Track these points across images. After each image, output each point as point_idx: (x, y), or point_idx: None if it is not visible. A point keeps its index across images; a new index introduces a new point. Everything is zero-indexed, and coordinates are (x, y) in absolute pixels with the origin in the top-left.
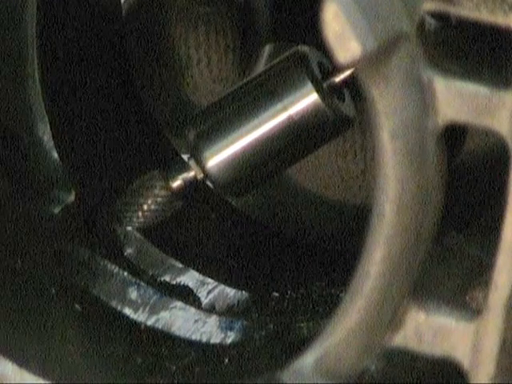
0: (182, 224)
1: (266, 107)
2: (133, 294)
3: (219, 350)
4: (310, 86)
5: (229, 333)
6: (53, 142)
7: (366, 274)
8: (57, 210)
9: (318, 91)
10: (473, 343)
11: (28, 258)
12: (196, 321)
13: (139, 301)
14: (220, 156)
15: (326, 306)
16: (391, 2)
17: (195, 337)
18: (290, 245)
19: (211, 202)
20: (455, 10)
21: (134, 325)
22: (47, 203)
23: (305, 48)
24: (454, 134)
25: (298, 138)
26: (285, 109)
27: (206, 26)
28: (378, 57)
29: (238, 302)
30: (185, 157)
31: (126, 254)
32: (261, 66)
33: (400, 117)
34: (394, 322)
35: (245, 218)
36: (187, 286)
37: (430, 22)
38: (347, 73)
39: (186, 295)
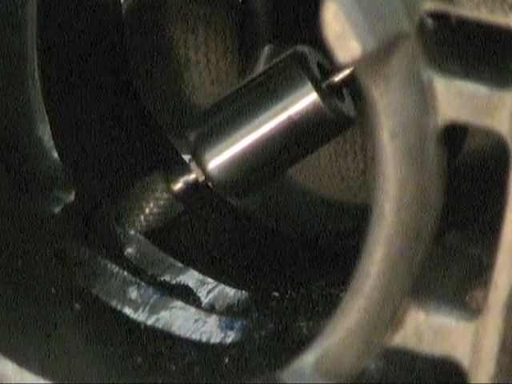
0: (181, 224)
1: (266, 108)
2: (133, 293)
3: (219, 349)
4: (309, 85)
5: (229, 332)
6: (53, 142)
7: (366, 273)
8: (57, 210)
9: (317, 91)
10: (473, 343)
11: (28, 258)
12: (196, 320)
13: (139, 300)
14: (221, 158)
15: (326, 306)
16: (391, 2)
17: (195, 336)
18: (290, 244)
19: (211, 202)
20: (455, 10)
21: (133, 324)
22: (47, 203)
23: (304, 48)
24: (454, 134)
25: (299, 139)
26: (285, 109)
27: (205, 28)
28: (378, 56)
29: (238, 301)
30: (185, 157)
31: (125, 253)
32: (260, 68)
33: (400, 117)
34: (394, 321)
35: (245, 218)
36: (187, 286)
37: (430, 22)
38: (347, 72)
39: (186, 295)
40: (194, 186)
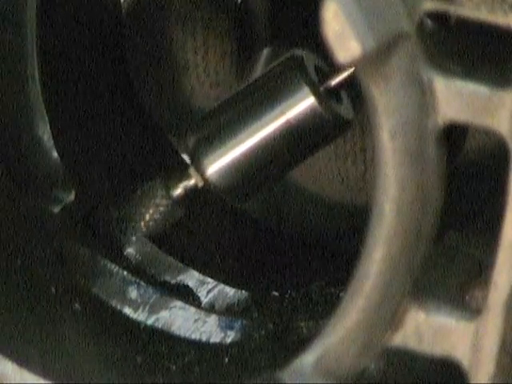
0: (181, 223)
1: (264, 113)
2: (133, 293)
3: (219, 349)
4: (306, 89)
5: (228, 332)
6: (53, 142)
7: (366, 273)
8: (57, 210)
9: (314, 95)
10: (473, 343)
11: (28, 258)
12: (196, 320)
13: (139, 300)
14: (220, 163)
15: (326, 306)
16: (391, 2)
17: (195, 336)
18: (290, 244)
19: (211, 202)
20: (455, 10)
21: (133, 324)
22: (47, 203)
23: (300, 52)
24: (454, 134)
25: (297, 142)
26: (282, 113)
27: (204, 31)
28: (377, 56)
29: (238, 301)
30: (185, 157)
31: (125, 253)
32: (258, 71)
33: (400, 116)
34: (394, 321)
35: (245, 218)
36: (187, 286)
37: (430, 22)
38: (344, 75)
39: (186, 294)
40: (193, 192)
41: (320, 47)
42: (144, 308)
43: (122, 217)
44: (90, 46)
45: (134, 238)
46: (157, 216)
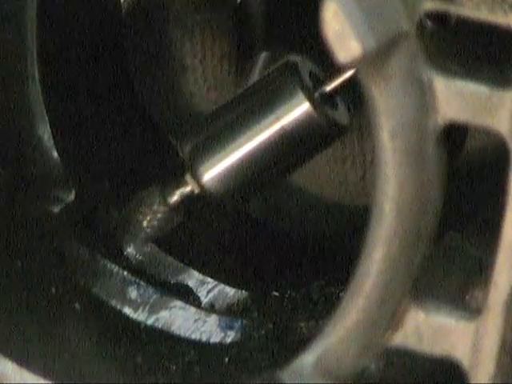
0: (181, 224)
1: (260, 119)
2: (132, 293)
3: (219, 349)
4: (301, 95)
5: (228, 332)
6: (53, 142)
7: (366, 273)
8: (57, 210)
9: (309, 101)
10: (473, 343)
11: (28, 258)
12: (196, 320)
13: (139, 300)
14: (215, 170)
15: (326, 306)
16: (391, 2)
17: (195, 336)
18: (290, 244)
19: (211, 203)
20: (455, 10)
21: (133, 324)
22: (47, 203)
23: (295, 58)
24: (454, 134)
25: (293, 148)
26: (278, 119)
27: (202, 34)
28: (377, 56)
29: (238, 301)
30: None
31: (125, 253)
32: (256, 75)
33: (400, 116)
34: (394, 321)
35: (245, 218)
36: (187, 286)
37: (430, 23)
38: (339, 81)
39: (186, 294)
40: (190, 199)
41: (318, 51)
42: (144, 308)
43: (120, 225)
44: (90, 46)
45: (133, 239)
46: (154, 223)
